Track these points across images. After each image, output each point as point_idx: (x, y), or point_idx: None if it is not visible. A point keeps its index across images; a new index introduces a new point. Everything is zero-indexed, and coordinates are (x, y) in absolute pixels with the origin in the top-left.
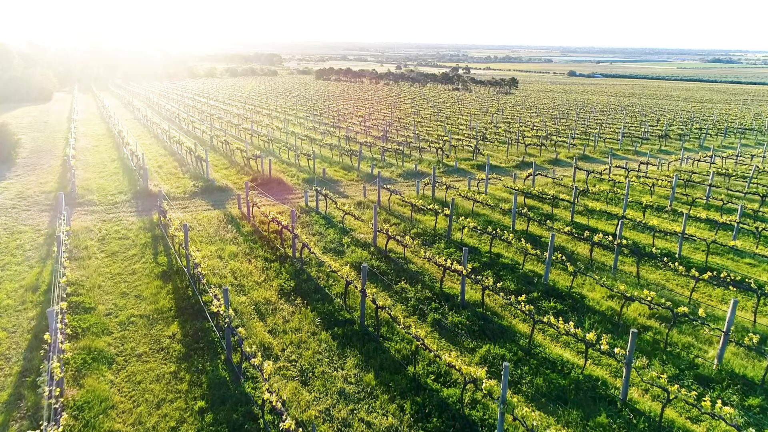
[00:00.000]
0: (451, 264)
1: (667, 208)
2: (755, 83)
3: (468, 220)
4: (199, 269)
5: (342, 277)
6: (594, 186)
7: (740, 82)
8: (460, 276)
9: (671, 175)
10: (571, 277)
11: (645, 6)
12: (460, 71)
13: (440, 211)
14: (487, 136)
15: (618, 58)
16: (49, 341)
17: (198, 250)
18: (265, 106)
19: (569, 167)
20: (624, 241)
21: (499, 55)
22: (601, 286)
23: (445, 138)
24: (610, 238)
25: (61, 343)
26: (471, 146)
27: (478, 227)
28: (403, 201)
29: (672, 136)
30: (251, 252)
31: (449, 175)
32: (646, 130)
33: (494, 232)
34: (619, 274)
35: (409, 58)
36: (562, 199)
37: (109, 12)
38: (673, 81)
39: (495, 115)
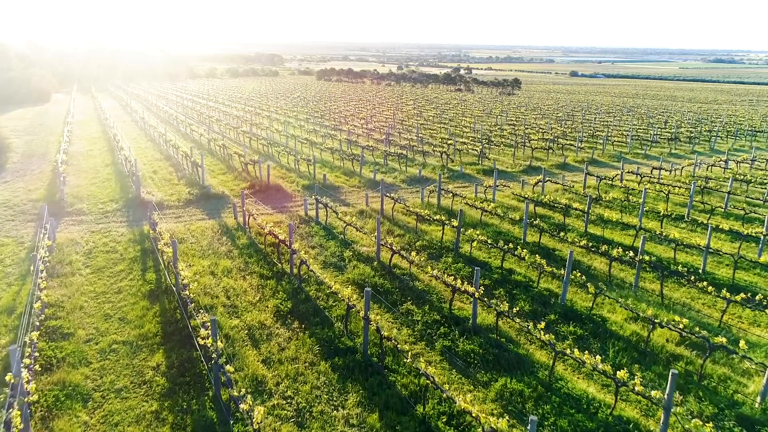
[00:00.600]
0: (462, 283)
1: (685, 218)
2: (759, 83)
3: (477, 232)
4: (188, 292)
5: (343, 299)
6: (606, 193)
7: (744, 83)
8: (471, 297)
9: (686, 180)
10: (591, 297)
11: (646, 6)
12: (462, 71)
13: (447, 221)
14: (492, 139)
15: (620, 58)
16: (11, 382)
17: (190, 266)
18: (265, 107)
19: (578, 172)
20: (645, 257)
21: (501, 55)
22: (624, 308)
23: (449, 141)
24: (630, 253)
25: (27, 382)
26: (476, 150)
27: (488, 240)
28: (407, 210)
29: (681, 139)
30: (246, 267)
31: (454, 180)
32: (654, 132)
33: (506, 246)
34: (640, 292)
35: (410, 58)
36: (575, 208)
37: (109, 12)
38: (676, 81)
39: (499, 116)
